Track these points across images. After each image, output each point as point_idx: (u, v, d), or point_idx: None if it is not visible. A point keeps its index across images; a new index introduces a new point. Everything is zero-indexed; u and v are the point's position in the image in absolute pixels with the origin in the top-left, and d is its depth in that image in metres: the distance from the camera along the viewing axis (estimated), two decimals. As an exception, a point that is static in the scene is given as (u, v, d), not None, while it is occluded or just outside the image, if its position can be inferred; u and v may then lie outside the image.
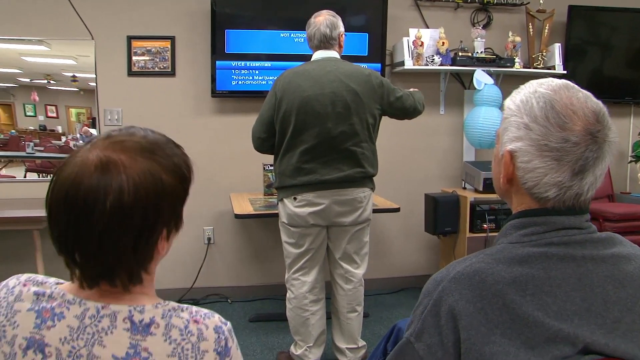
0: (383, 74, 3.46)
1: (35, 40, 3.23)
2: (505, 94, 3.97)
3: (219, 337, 0.81)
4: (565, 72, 3.58)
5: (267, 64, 3.40)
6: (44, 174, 3.40)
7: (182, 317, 0.80)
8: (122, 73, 3.36)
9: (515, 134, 0.89)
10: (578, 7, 3.75)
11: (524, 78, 3.61)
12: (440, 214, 3.33)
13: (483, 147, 3.50)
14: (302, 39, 3.22)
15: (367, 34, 3.48)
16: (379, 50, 3.50)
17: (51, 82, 3.30)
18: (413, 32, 3.47)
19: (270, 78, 3.36)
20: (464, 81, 3.75)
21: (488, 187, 3.26)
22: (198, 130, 3.46)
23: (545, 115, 0.86)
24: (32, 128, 3.33)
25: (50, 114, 3.34)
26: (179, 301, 3.39)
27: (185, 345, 0.78)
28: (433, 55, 3.48)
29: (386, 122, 2.53)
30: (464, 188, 3.53)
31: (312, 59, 2.40)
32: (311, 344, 2.48)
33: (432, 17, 3.67)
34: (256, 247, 3.63)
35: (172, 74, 3.41)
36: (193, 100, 3.46)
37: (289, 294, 2.50)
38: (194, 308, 0.83)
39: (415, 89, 2.72)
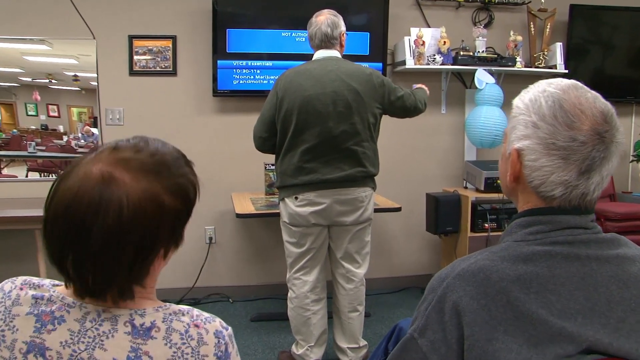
0: (384, 74, 3.46)
1: (36, 40, 3.23)
2: (507, 93, 3.96)
3: (219, 341, 0.80)
4: (566, 71, 3.57)
5: (269, 63, 3.40)
6: (45, 174, 3.40)
7: (182, 321, 0.80)
8: (123, 72, 3.36)
9: (523, 132, 0.90)
10: (579, 6, 3.74)
11: (525, 77, 3.61)
12: (442, 213, 3.33)
13: (484, 147, 3.49)
14: (304, 38, 3.21)
15: (369, 33, 3.48)
16: (380, 50, 3.49)
17: (53, 81, 3.30)
18: (414, 31, 3.46)
19: (272, 77, 3.35)
20: (466, 80, 3.75)
21: (489, 186, 3.26)
22: (199, 130, 3.46)
23: (554, 114, 0.86)
24: (33, 127, 3.33)
25: (51, 114, 3.34)
26: (181, 300, 3.42)
27: (186, 349, 0.78)
28: (434, 55, 3.47)
29: (387, 122, 2.53)
30: (465, 187, 3.53)
31: (313, 59, 2.40)
32: (312, 344, 2.48)
33: (433, 16, 3.66)
34: (257, 246, 3.63)
35: (173, 73, 3.41)
36: (194, 100, 3.46)
37: (290, 294, 2.50)
38: (195, 312, 0.82)
39: (421, 85, 2.71)
